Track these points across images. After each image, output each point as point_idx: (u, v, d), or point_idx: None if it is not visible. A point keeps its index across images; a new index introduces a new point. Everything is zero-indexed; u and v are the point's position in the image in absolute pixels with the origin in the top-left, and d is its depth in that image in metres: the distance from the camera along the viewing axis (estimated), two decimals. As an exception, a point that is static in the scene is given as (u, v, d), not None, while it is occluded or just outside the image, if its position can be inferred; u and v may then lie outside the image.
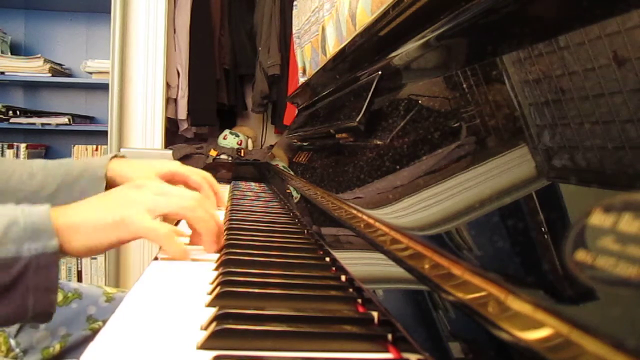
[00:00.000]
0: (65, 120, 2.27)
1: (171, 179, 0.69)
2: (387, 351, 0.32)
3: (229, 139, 2.29)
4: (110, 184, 0.67)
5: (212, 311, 0.35)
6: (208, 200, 0.58)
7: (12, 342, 0.65)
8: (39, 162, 0.68)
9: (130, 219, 0.47)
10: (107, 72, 1.93)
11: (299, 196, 0.81)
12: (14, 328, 0.66)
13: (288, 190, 0.94)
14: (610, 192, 0.21)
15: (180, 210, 0.52)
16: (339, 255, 0.48)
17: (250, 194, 1.07)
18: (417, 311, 0.32)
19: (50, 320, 0.45)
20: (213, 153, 2.02)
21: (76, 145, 2.38)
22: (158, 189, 0.53)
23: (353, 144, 0.64)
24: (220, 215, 0.80)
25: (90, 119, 2.52)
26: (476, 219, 0.29)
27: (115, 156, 0.71)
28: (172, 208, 0.51)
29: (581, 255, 0.20)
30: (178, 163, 0.73)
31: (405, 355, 0.31)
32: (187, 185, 0.73)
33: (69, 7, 2.43)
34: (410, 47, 0.55)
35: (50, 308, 0.43)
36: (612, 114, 0.23)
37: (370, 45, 0.68)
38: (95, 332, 0.68)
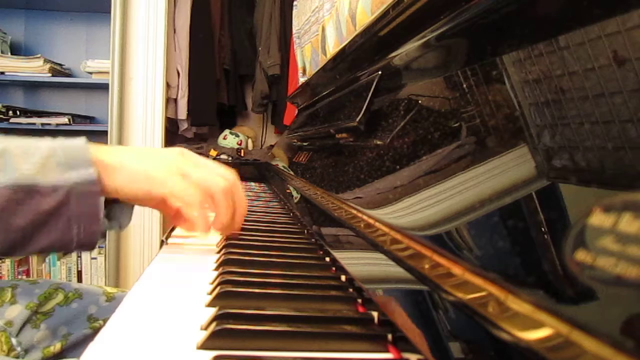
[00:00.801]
0: (65, 120, 2.27)
1: None
2: (387, 351, 0.32)
3: (229, 139, 2.29)
4: None
5: (212, 311, 0.35)
6: (239, 188, 0.57)
7: (14, 340, 0.65)
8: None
9: (164, 177, 0.48)
10: (107, 72, 1.93)
11: (299, 196, 0.81)
12: (15, 327, 0.66)
13: (288, 190, 0.94)
14: (610, 192, 0.21)
15: (208, 189, 0.51)
16: (339, 255, 0.48)
17: (250, 194, 1.07)
18: (417, 311, 0.32)
19: (93, 249, 0.47)
20: (213, 153, 2.01)
21: (76, 145, 2.37)
22: (197, 160, 0.54)
23: (353, 144, 0.64)
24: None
25: (90, 119, 2.52)
26: (476, 219, 0.29)
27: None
28: (202, 182, 0.51)
29: (581, 255, 0.20)
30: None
31: (405, 355, 0.31)
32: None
33: (69, 7, 2.43)
34: (410, 47, 0.55)
35: (94, 237, 0.45)
36: (612, 114, 0.23)
37: (370, 45, 0.68)
38: (96, 330, 0.68)
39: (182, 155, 0.53)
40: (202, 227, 0.52)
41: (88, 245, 0.45)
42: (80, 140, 0.46)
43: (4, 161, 0.42)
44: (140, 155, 0.50)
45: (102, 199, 0.45)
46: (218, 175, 0.53)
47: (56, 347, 0.67)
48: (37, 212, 0.42)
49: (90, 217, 0.44)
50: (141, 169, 0.48)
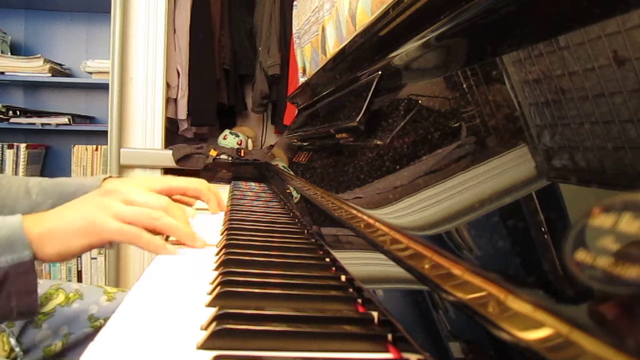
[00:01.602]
0: (65, 120, 2.27)
1: (168, 193, 0.70)
2: (387, 351, 0.32)
3: (229, 139, 2.29)
4: None
5: (212, 311, 0.35)
6: (175, 205, 0.58)
7: (12, 341, 0.65)
8: (35, 180, 0.71)
9: (99, 222, 0.51)
10: (107, 72, 1.93)
11: (299, 196, 0.81)
12: (16, 328, 0.66)
13: (288, 190, 0.94)
14: (610, 192, 0.21)
15: (146, 220, 0.53)
16: (339, 255, 0.48)
17: (250, 194, 1.07)
18: (417, 311, 0.32)
19: (35, 316, 0.50)
20: (213, 153, 2.01)
21: (76, 145, 2.37)
22: (125, 196, 0.55)
23: (353, 144, 0.64)
24: (220, 216, 0.80)
25: (90, 119, 2.52)
26: (476, 219, 0.29)
27: (110, 177, 0.74)
28: (137, 217, 0.53)
29: (581, 255, 0.20)
30: (172, 177, 0.74)
31: (405, 355, 0.31)
32: (186, 195, 0.75)
33: (69, 7, 2.43)
34: (410, 47, 0.55)
35: (32, 307, 0.48)
36: (612, 114, 0.23)
37: (370, 45, 0.68)
38: (97, 329, 0.68)
39: (108, 194, 0.55)
40: (156, 248, 0.53)
41: (27, 313, 0.48)
42: (16, 219, 0.48)
43: None
44: (68, 211, 0.52)
45: (36, 276, 0.48)
46: (147, 206, 0.54)
47: (57, 346, 0.67)
48: None
49: (27, 292, 0.47)
50: (73, 224, 0.50)
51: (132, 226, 0.52)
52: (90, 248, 0.52)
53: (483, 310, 0.23)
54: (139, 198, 0.55)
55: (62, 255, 0.50)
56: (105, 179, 0.72)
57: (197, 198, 0.77)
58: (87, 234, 0.50)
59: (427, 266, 0.30)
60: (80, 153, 2.36)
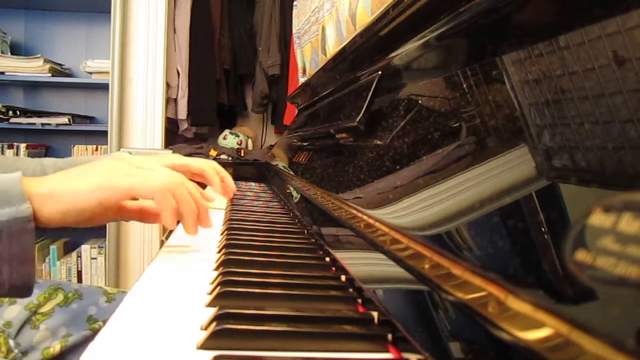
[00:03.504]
0: (65, 120, 2.27)
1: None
2: (387, 351, 0.32)
3: (229, 139, 2.29)
4: None
5: (212, 311, 0.35)
6: (189, 183, 0.53)
7: (12, 342, 0.65)
8: (50, 161, 0.70)
9: (113, 181, 0.46)
10: (107, 72, 1.93)
11: (299, 196, 0.81)
12: (13, 329, 0.66)
13: (288, 190, 0.94)
14: (610, 192, 0.21)
15: (158, 186, 0.48)
16: (339, 255, 0.48)
17: (250, 194, 1.07)
18: (417, 311, 0.32)
19: (30, 295, 0.42)
20: (213, 153, 2.01)
21: (76, 145, 2.38)
22: (138, 162, 0.51)
23: (353, 144, 0.64)
24: (221, 216, 0.80)
25: (90, 119, 2.52)
26: (476, 219, 0.29)
27: None
28: (148, 183, 0.48)
29: (581, 255, 0.20)
30: (179, 155, 0.68)
31: (405, 355, 0.31)
32: (191, 174, 0.67)
33: (69, 7, 2.43)
34: (410, 47, 0.55)
35: (28, 281, 0.41)
36: (612, 114, 0.23)
37: (370, 45, 0.68)
38: (95, 332, 0.68)
39: (122, 159, 0.50)
40: (169, 218, 0.49)
41: (22, 288, 0.41)
42: (15, 175, 0.42)
43: None
44: (79, 173, 0.47)
45: (34, 241, 0.41)
46: (162, 174, 0.50)
47: (55, 348, 0.67)
48: None
49: (21, 259, 0.40)
50: (83, 184, 0.45)
51: (154, 182, 0.47)
52: (100, 206, 0.45)
53: (483, 310, 0.23)
54: (152, 166, 0.51)
55: (66, 214, 0.43)
56: None
57: (201, 177, 0.67)
58: (96, 191, 0.44)
59: (427, 266, 0.30)
60: (80, 153, 2.36)
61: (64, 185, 0.44)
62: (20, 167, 0.66)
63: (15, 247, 0.39)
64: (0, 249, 0.39)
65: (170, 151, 1.93)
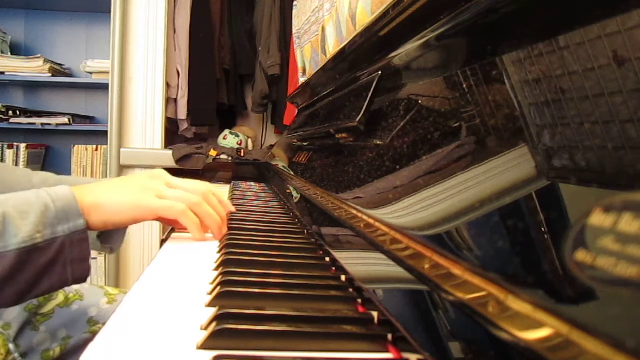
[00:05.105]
0: (65, 120, 2.27)
1: None
2: (387, 351, 0.32)
3: (229, 139, 2.29)
4: None
5: (212, 311, 0.35)
6: (211, 194, 0.63)
7: (11, 346, 0.64)
8: (42, 175, 0.71)
9: (145, 202, 0.54)
10: (107, 72, 1.93)
11: (299, 196, 0.81)
12: (13, 331, 0.65)
13: (288, 190, 0.94)
14: (610, 192, 0.21)
15: (186, 203, 0.57)
16: (339, 255, 0.48)
17: (250, 194, 1.07)
18: (417, 311, 0.32)
19: (86, 280, 0.52)
20: (213, 153, 2.01)
21: (76, 145, 2.38)
22: (169, 181, 0.60)
23: (353, 144, 0.64)
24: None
25: (90, 119, 2.52)
26: (476, 219, 0.29)
27: None
28: (172, 205, 0.56)
29: (581, 255, 0.20)
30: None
31: (405, 355, 0.31)
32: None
33: (69, 7, 2.43)
34: (410, 47, 0.55)
35: (86, 274, 0.51)
36: (612, 114, 0.23)
37: (370, 45, 0.68)
38: (95, 335, 0.68)
39: (154, 178, 0.59)
40: (197, 233, 0.59)
41: (81, 279, 0.51)
42: (66, 190, 0.51)
43: (4, 227, 0.45)
44: (117, 187, 0.56)
45: (89, 243, 0.51)
46: (190, 192, 0.59)
47: (55, 351, 0.67)
48: (38, 266, 0.47)
49: (81, 259, 0.50)
50: (122, 200, 0.54)
51: (178, 203, 0.56)
52: (135, 222, 0.55)
53: (483, 310, 0.23)
54: (182, 184, 0.61)
55: (106, 224, 0.53)
56: None
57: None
58: (134, 210, 0.54)
59: (427, 266, 0.30)
60: (80, 153, 2.36)
61: (106, 199, 0.53)
62: (11, 182, 0.67)
63: (76, 252, 0.49)
64: (65, 255, 0.48)
65: (171, 151, 1.93)
